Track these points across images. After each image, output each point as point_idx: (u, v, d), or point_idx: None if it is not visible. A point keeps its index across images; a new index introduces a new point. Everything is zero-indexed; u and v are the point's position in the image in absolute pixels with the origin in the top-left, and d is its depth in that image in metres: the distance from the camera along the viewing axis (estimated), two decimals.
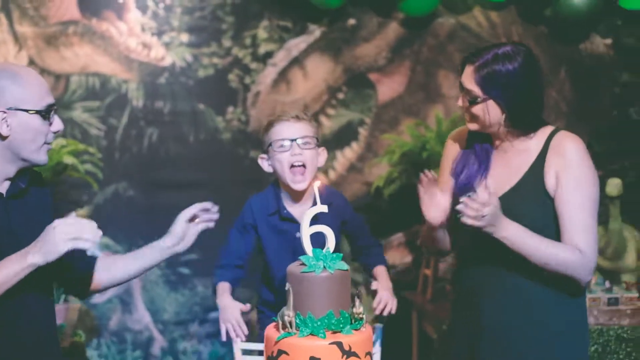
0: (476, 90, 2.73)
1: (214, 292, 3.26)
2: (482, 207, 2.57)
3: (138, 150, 4.80)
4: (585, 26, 5.08)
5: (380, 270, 3.33)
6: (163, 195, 4.81)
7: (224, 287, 3.22)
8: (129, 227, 4.76)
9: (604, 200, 4.40)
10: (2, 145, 2.50)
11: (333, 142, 4.89)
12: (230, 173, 4.85)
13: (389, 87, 5.02)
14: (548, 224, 2.74)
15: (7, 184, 2.56)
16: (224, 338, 3.12)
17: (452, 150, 2.99)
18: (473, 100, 2.74)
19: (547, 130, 2.83)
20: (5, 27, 4.64)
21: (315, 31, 4.92)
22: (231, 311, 3.08)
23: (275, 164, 3.17)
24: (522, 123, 2.78)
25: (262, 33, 4.87)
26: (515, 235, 2.65)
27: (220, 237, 4.77)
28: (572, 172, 2.72)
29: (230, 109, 4.86)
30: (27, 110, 2.49)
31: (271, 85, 4.88)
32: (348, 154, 4.95)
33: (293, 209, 3.23)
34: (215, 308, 4.79)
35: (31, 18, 4.66)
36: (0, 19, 4.64)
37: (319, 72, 4.93)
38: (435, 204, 2.82)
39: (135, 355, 4.83)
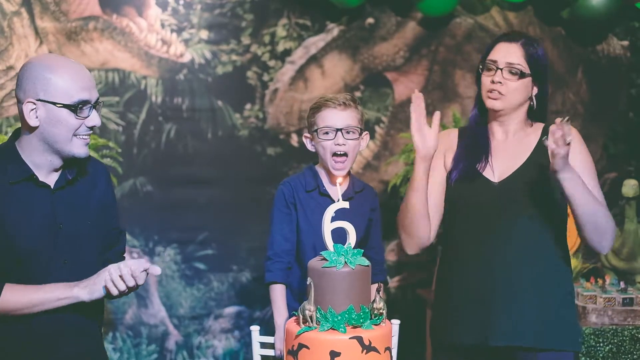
0: (524, 65, 2.89)
1: (267, 284, 3.29)
2: (567, 135, 2.64)
3: (156, 146, 4.82)
4: (603, 28, 5.09)
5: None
6: (180, 191, 4.84)
7: (280, 294, 3.25)
8: (145, 222, 4.80)
9: (620, 201, 4.42)
10: (36, 137, 2.56)
11: None
12: (247, 170, 4.87)
13: (406, 86, 5.04)
14: (557, 202, 2.86)
15: (57, 174, 2.63)
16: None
17: (442, 147, 3.06)
18: (522, 74, 2.87)
19: (541, 124, 3.01)
20: (27, 22, 4.67)
21: (334, 30, 4.94)
22: None
23: (318, 148, 3.25)
24: (540, 109, 2.97)
25: (281, 31, 4.89)
26: (576, 177, 2.75)
27: (237, 233, 4.84)
28: (578, 156, 2.86)
29: (248, 106, 4.89)
30: (54, 103, 2.52)
31: (289, 83, 4.91)
32: (364, 152, 4.96)
33: (330, 188, 3.29)
34: (231, 303, 4.88)
35: (52, 13, 4.69)
36: (21, 13, 4.67)
37: (337, 70, 4.95)
38: (424, 133, 2.92)
39: (150, 350, 4.85)
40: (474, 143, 3.00)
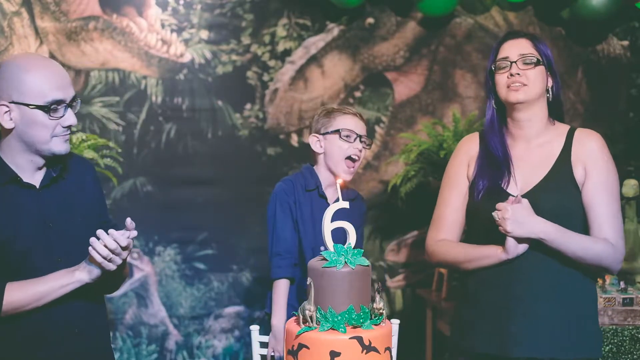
0: (536, 53, 2.91)
1: (273, 280, 3.26)
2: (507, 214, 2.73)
3: (156, 146, 4.82)
4: (603, 28, 5.09)
5: None
6: (180, 191, 4.84)
7: (284, 293, 3.24)
8: (145, 222, 4.78)
9: (620, 201, 4.41)
10: (14, 139, 2.53)
11: None
12: (247, 170, 4.88)
13: (406, 86, 5.04)
14: (576, 214, 2.85)
15: (41, 173, 2.61)
16: (268, 358, 3.19)
17: (465, 156, 3.05)
18: (537, 62, 2.90)
19: (564, 126, 2.98)
20: (27, 22, 4.68)
21: (334, 30, 4.94)
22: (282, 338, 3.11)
23: (332, 149, 3.30)
24: (557, 105, 2.97)
25: (281, 31, 4.90)
26: (551, 233, 2.74)
27: (237, 233, 4.84)
28: (600, 167, 2.86)
29: (248, 106, 4.89)
30: (27, 105, 2.49)
31: (289, 82, 4.91)
32: (364, 152, 4.95)
33: (327, 190, 3.36)
34: (231, 303, 4.88)
35: (52, 13, 4.69)
36: (21, 13, 4.67)
37: (337, 70, 4.95)
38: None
39: (150, 349, 4.85)
40: (496, 156, 2.97)
